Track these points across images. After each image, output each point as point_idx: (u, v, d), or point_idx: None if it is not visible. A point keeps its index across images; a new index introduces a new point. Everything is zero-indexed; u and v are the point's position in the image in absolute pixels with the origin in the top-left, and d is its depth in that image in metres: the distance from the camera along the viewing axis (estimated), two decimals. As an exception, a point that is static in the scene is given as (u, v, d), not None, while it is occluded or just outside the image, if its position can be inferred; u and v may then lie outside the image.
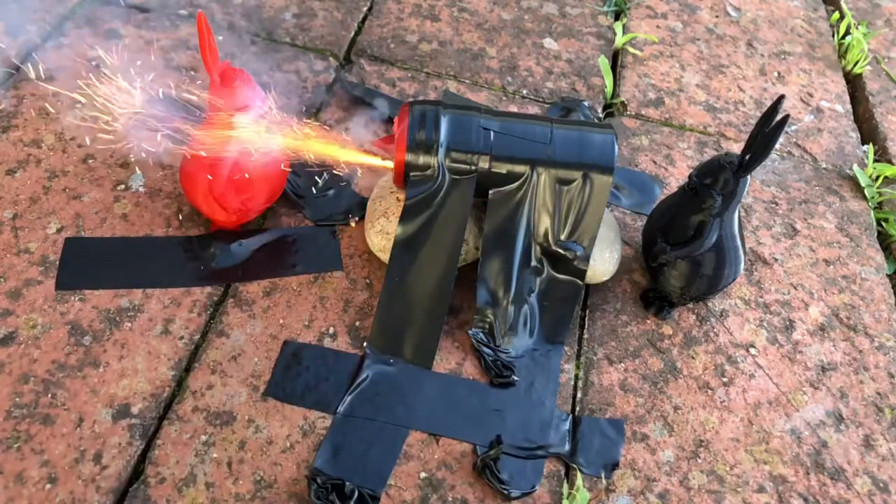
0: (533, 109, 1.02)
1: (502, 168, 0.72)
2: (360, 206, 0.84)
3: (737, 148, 1.02)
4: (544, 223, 0.74)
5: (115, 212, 0.79)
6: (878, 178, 1.01)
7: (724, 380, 0.77)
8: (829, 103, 1.13)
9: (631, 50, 1.14)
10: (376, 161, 0.76)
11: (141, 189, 0.82)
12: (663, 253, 0.75)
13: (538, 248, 0.75)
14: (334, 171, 0.82)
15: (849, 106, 1.13)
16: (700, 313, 0.82)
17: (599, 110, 1.03)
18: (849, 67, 1.20)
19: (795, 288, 0.87)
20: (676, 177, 0.96)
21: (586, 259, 0.75)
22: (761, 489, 0.69)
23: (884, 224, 0.97)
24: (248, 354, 0.71)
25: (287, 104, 0.93)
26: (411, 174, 0.72)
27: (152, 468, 0.63)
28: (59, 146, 0.84)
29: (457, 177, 0.72)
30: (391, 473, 0.65)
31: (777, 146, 1.02)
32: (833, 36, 1.26)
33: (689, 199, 0.73)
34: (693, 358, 0.78)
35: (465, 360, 0.74)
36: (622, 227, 0.88)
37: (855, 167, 1.01)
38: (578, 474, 0.66)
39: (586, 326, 0.79)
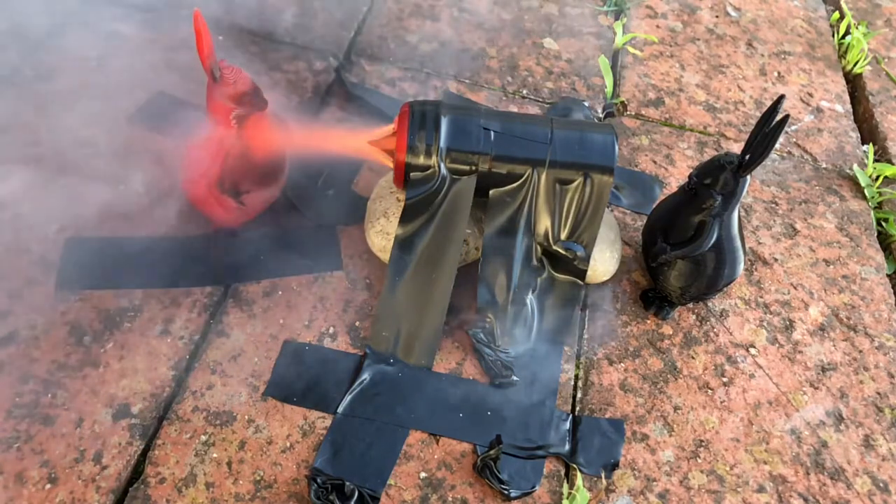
0: (533, 109, 1.02)
1: (502, 168, 0.72)
2: (360, 206, 0.84)
3: (737, 148, 1.02)
4: (544, 223, 0.74)
5: (115, 212, 0.79)
6: (878, 178, 1.01)
7: (724, 380, 0.77)
8: (829, 103, 1.13)
9: (631, 50, 1.14)
10: (376, 155, 0.75)
11: (141, 189, 0.82)
12: (663, 253, 0.75)
13: (538, 248, 0.75)
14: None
15: (849, 106, 1.13)
16: (700, 313, 0.82)
17: (599, 110, 1.03)
18: (849, 67, 1.20)
19: (795, 288, 0.87)
20: (676, 177, 0.96)
21: (586, 259, 0.75)
22: (761, 489, 0.69)
23: (884, 224, 0.97)
24: (248, 354, 0.71)
25: (287, 104, 0.93)
26: (411, 174, 0.72)
27: (152, 468, 0.63)
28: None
29: (457, 177, 0.72)
30: (391, 473, 0.65)
31: (777, 146, 1.02)
32: (833, 36, 1.26)
33: (689, 199, 0.73)
34: (693, 358, 0.78)
35: (465, 360, 0.74)
36: (622, 227, 0.88)
37: (855, 167, 1.01)
38: (578, 474, 0.66)
39: (586, 326, 0.79)
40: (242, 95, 0.70)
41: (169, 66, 0.96)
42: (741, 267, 0.76)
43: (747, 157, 0.69)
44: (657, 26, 1.20)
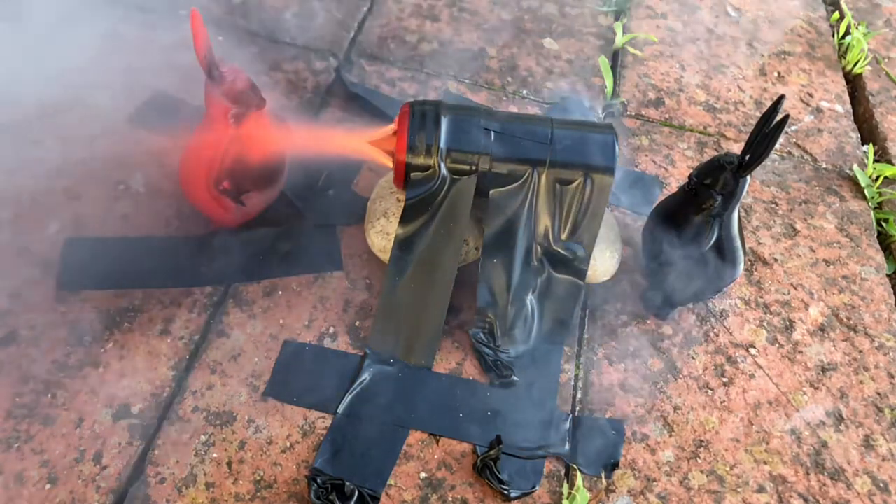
0: (533, 109, 1.02)
1: (503, 168, 0.72)
2: (360, 206, 0.84)
3: (737, 148, 1.02)
4: (545, 223, 0.74)
5: (115, 212, 0.79)
6: (878, 178, 1.01)
7: (724, 380, 0.77)
8: (829, 103, 1.13)
9: (631, 50, 1.14)
10: (376, 155, 0.75)
11: (141, 189, 0.82)
12: (663, 253, 0.75)
13: (539, 248, 0.75)
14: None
15: (849, 106, 1.13)
16: (700, 313, 0.82)
17: (599, 110, 1.03)
18: (849, 67, 1.20)
19: (795, 288, 0.87)
20: (676, 177, 0.96)
21: (586, 259, 0.75)
22: (761, 489, 0.69)
23: (884, 224, 0.97)
24: (248, 354, 0.71)
25: (287, 104, 0.93)
26: (411, 174, 0.72)
27: (152, 468, 0.63)
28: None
29: (457, 177, 0.72)
30: (391, 473, 0.65)
31: (777, 146, 1.02)
32: (833, 36, 1.26)
33: (689, 199, 0.73)
34: (693, 358, 0.78)
35: (465, 360, 0.74)
36: (622, 227, 0.88)
37: (855, 167, 1.01)
38: (578, 474, 0.66)
39: (586, 326, 0.79)
40: (239, 93, 0.70)
41: (169, 66, 0.96)
42: (741, 267, 0.76)
43: (747, 157, 0.69)
44: (657, 26, 1.20)
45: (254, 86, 0.71)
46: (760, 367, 0.78)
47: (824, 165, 1.03)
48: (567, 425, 0.71)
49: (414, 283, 0.73)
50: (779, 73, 1.16)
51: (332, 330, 0.74)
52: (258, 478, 0.64)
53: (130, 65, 0.95)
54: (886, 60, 1.23)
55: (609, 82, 1.05)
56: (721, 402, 0.75)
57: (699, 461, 0.70)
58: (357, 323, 0.75)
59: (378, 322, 0.73)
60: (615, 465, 0.69)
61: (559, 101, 1.03)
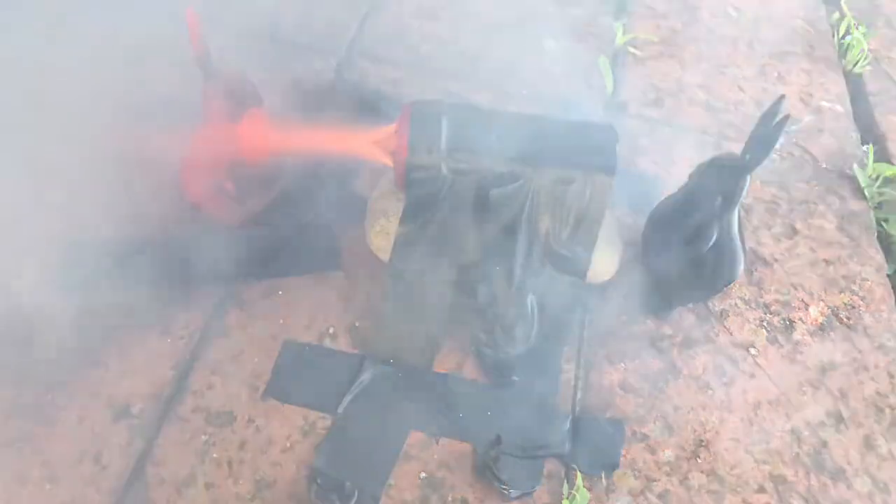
0: (533, 109, 1.01)
1: (503, 168, 0.72)
2: (360, 206, 0.84)
3: (737, 148, 1.01)
4: (545, 223, 0.74)
5: (115, 212, 0.79)
6: (878, 178, 1.01)
7: (724, 380, 0.77)
8: (829, 103, 1.12)
9: (631, 50, 1.14)
10: (377, 154, 0.75)
11: (141, 189, 0.82)
12: (663, 254, 0.75)
13: (539, 247, 0.75)
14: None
15: (849, 106, 1.13)
16: (700, 313, 0.82)
17: (600, 110, 1.03)
18: (849, 67, 1.20)
19: (795, 288, 0.87)
20: (676, 177, 0.96)
21: (587, 259, 0.75)
22: (761, 489, 0.69)
23: (884, 224, 0.97)
24: (248, 354, 0.71)
25: (287, 104, 0.93)
26: (412, 174, 0.72)
27: (152, 468, 0.63)
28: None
29: (458, 177, 0.72)
30: (391, 473, 0.65)
31: (777, 146, 1.02)
32: (833, 36, 1.26)
33: (688, 200, 0.73)
34: (693, 358, 0.78)
35: (465, 360, 0.74)
36: (622, 227, 0.88)
37: (855, 167, 1.01)
38: (578, 474, 0.66)
39: (586, 326, 0.79)
40: (236, 92, 0.70)
41: (168, 66, 0.96)
42: (741, 267, 0.76)
43: (747, 157, 0.69)
44: (657, 26, 1.20)
45: (249, 82, 0.71)
46: (760, 367, 0.78)
47: (824, 165, 1.03)
48: (567, 425, 0.71)
49: (414, 283, 0.73)
50: (779, 73, 1.16)
51: (332, 330, 0.74)
52: (258, 478, 0.64)
53: (130, 64, 0.95)
54: (886, 60, 1.23)
55: (609, 82, 1.05)
56: (721, 402, 0.75)
57: (699, 461, 0.70)
58: (357, 323, 0.75)
59: (378, 322, 0.73)
60: (615, 465, 0.69)
61: (559, 101, 1.03)
